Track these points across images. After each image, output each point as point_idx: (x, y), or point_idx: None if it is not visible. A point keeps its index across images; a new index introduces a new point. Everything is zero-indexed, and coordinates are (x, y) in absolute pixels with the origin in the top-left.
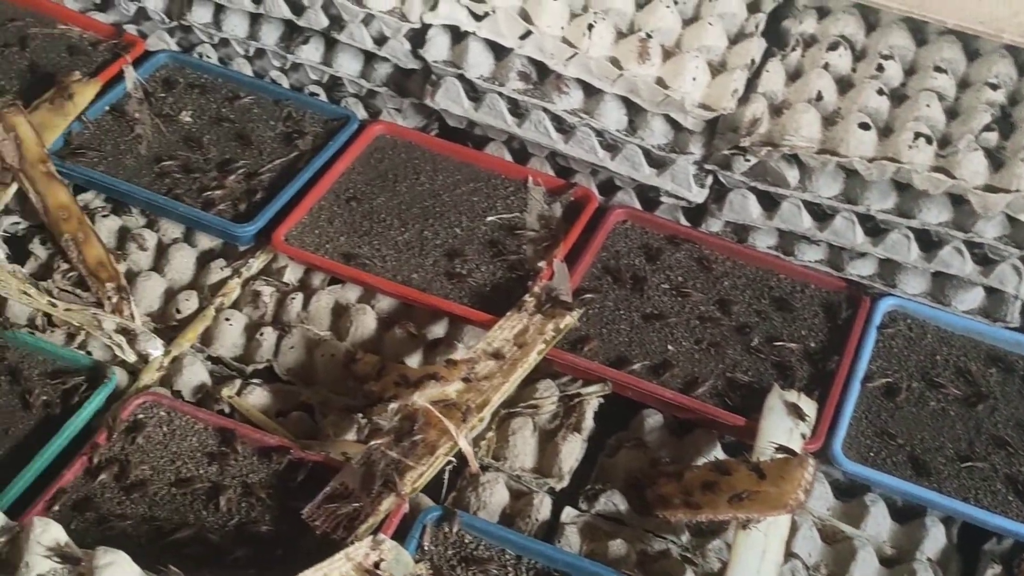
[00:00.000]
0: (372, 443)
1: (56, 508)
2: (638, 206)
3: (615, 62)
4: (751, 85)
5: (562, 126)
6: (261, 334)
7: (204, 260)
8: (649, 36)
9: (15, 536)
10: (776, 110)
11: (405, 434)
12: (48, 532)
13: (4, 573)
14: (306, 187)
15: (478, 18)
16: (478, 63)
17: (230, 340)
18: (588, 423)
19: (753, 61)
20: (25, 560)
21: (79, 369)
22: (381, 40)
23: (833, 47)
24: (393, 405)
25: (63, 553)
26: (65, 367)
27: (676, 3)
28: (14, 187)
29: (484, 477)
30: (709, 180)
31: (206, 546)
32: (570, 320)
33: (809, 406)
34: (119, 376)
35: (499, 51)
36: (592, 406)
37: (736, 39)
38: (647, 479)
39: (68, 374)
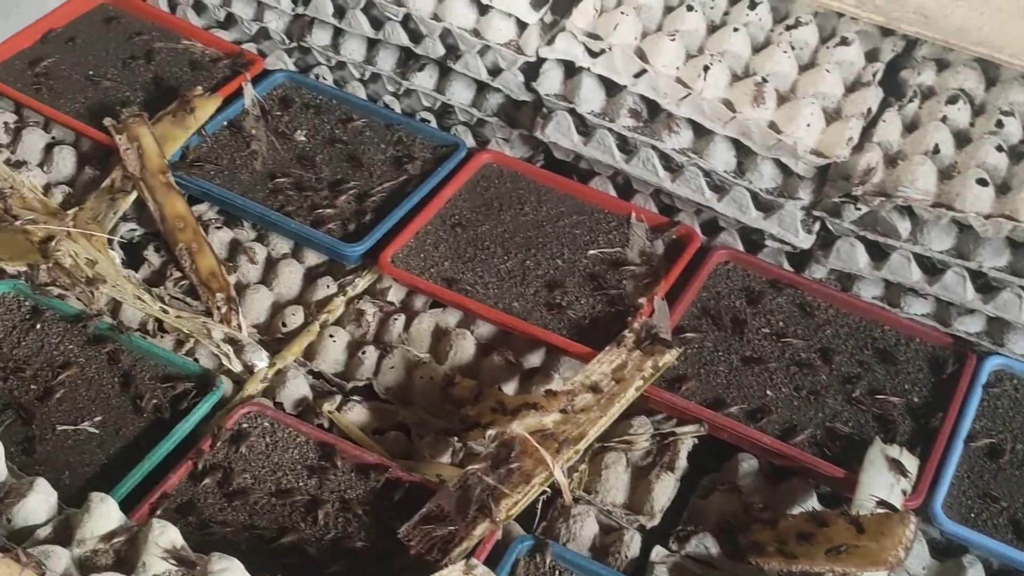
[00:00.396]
0: (469, 468)
1: (160, 511)
2: (741, 248)
3: (728, 104)
4: (866, 134)
5: (670, 164)
6: (363, 352)
7: (311, 276)
8: (765, 80)
9: (133, 536)
10: (891, 160)
11: (502, 461)
12: (166, 534)
13: (121, 571)
14: (413, 211)
15: (594, 55)
16: (590, 98)
17: (332, 356)
18: (682, 463)
19: (869, 110)
20: (142, 560)
21: (189, 376)
22: (495, 71)
23: (952, 100)
24: (491, 431)
25: (179, 556)
26: (175, 373)
27: (793, 48)
28: (133, 195)
29: (576, 509)
30: (816, 226)
31: (304, 558)
32: (669, 358)
33: (911, 462)
34: (225, 385)
35: (611, 87)
36: (686, 446)
37: (853, 87)
38: (740, 524)
39: (178, 380)
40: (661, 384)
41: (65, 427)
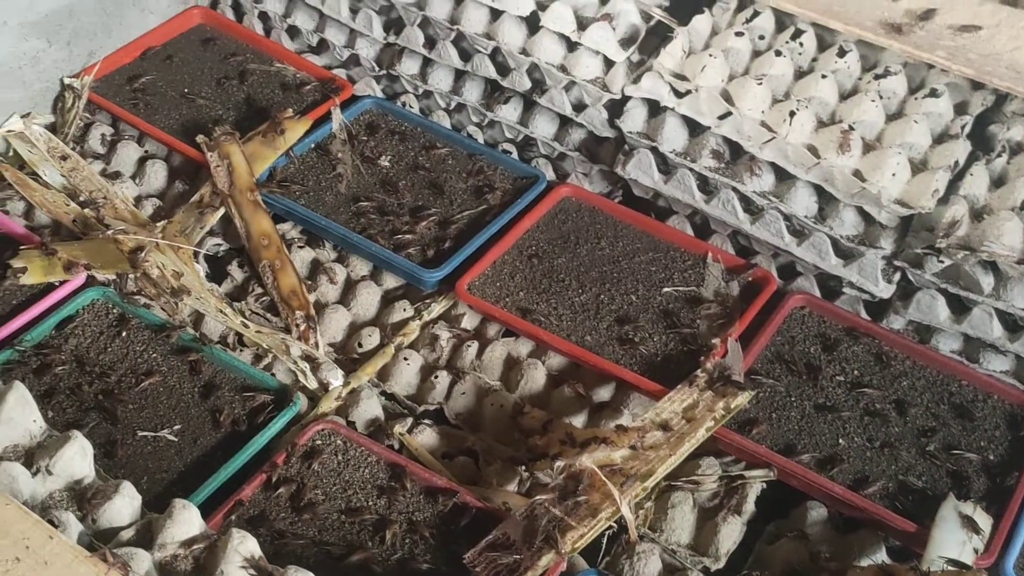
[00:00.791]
0: (537, 498)
1: (232, 519)
2: (818, 293)
3: (812, 150)
4: (952, 187)
5: (750, 207)
6: (435, 376)
7: (388, 299)
8: (851, 128)
9: (212, 544)
10: (976, 214)
11: (569, 493)
12: (245, 544)
13: (206, 574)
14: (491, 240)
15: (679, 95)
16: (673, 138)
17: (405, 379)
18: (749, 507)
19: (956, 163)
20: (221, 568)
21: (267, 390)
22: (579, 107)
23: None
24: (559, 463)
25: (257, 566)
26: (254, 386)
27: (881, 97)
28: (221, 211)
29: (640, 547)
30: (897, 276)
31: None
32: (741, 400)
33: (984, 520)
34: (301, 401)
35: (695, 128)
36: (755, 490)
37: (940, 139)
38: (806, 573)
39: (257, 393)
40: (732, 426)
41: (145, 433)
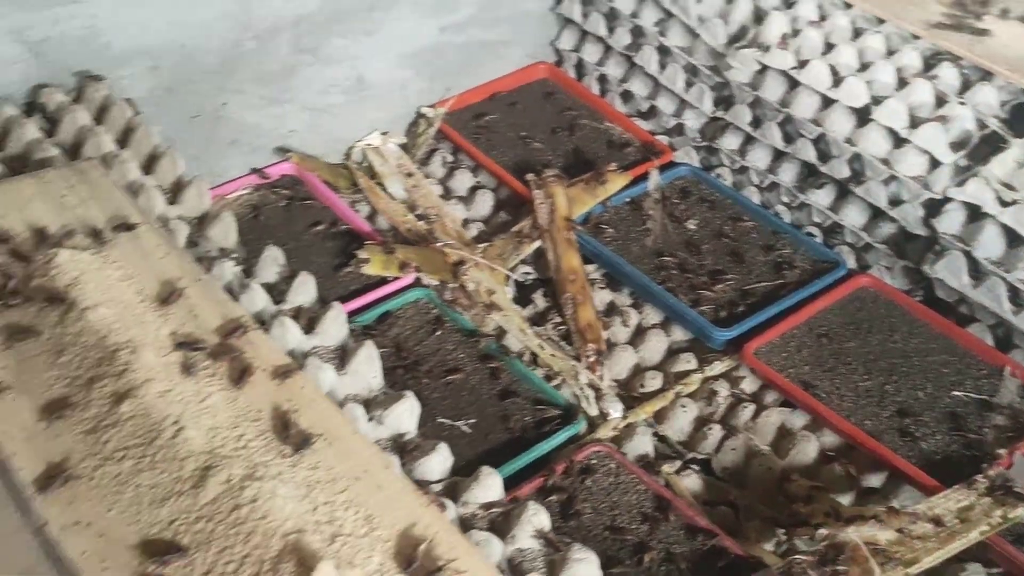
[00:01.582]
0: (796, 556)
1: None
2: None
3: None
4: None
5: None
6: (709, 428)
7: (672, 350)
8: None
9: (509, 512)
10: None
11: (828, 561)
12: (539, 516)
13: (498, 535)
14: (784, 313)
15: (1004, 204)
16: (990, 245)
17: (679, 425)
18: None
19: None
20: (513, 533)
21: (556, 405)
22: (894, 201)
23: None
24: (823, 530)
25: (546, 537)
26: (544, 400)
27: None
28: (536, 244)
29: None
30: None
31: None
32: (1021, 512)
33: None
34: (582, 423)
35: (1014, 239)
36: None
37: None
38: None
39: (546, 406)
40: (1006, 536)
41: (444, 420)
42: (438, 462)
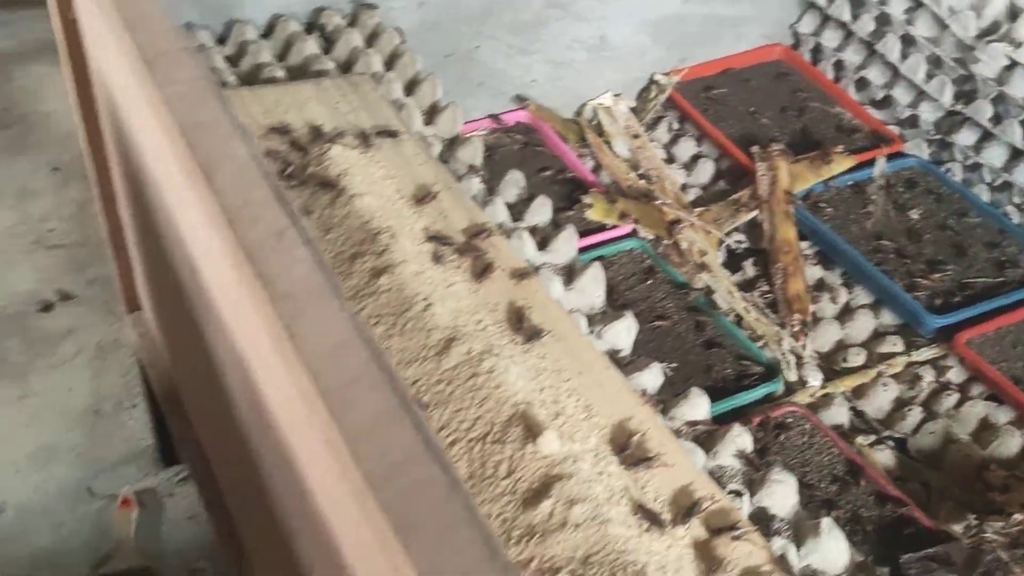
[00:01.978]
0: (988, 535)
1: None
2: None
3: None
4: None
5: None
6: (908, 410)
7: (878, 332)
8: None
9: (713, 431)
10: None
11: (1020, 545)
12: (742, 437)
13: (703, 447)
14: (1002, 309)
15: None
16: None
17: (878, 402)
18: None
19: None
20: (716, 449)
21: (758, 362)
22: None
23: None
24: (1018, 516)
25: (746, 456)
26: (747, 355)
27: None
28: (753, 214)
29: None
30: None
31: None
32: None
33: None
34: (781, 384)
35: None
36: None
37: None
38: None
39: (749, 361)
40: None
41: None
42: (650, 378)
